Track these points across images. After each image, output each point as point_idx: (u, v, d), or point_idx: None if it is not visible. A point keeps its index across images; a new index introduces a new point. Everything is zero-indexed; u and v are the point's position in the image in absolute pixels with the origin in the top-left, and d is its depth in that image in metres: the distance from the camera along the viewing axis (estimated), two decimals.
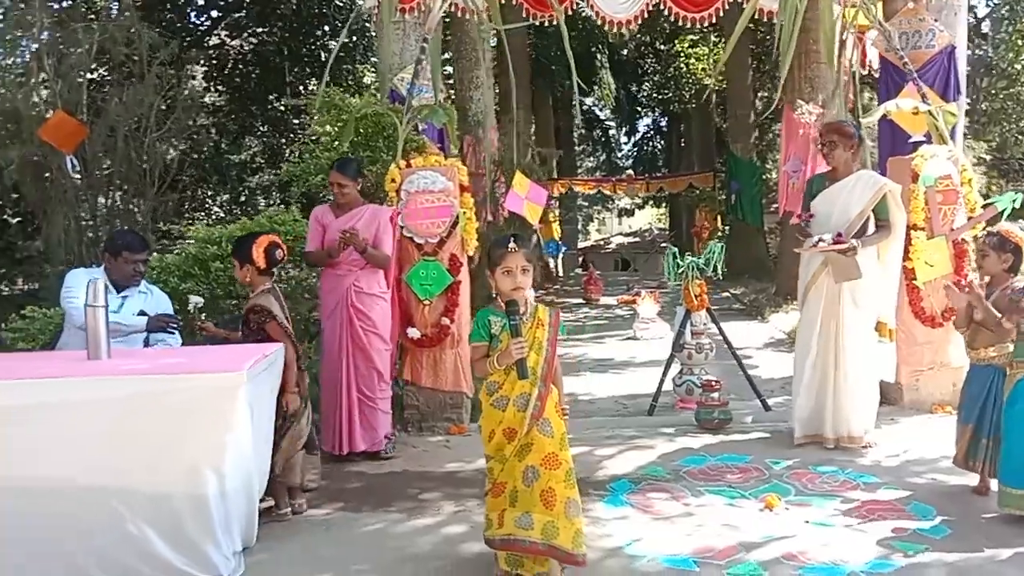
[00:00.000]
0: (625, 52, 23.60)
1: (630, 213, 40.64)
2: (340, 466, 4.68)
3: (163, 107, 7.38)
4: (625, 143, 35.09)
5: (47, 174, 6.77)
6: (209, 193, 12.83)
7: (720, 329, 5.79)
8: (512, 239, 3.09)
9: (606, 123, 31.90)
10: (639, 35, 21.74)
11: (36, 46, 6.61)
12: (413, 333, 5.20)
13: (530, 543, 2.98)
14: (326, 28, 13.34)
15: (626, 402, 6.14)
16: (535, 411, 3.00)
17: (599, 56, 22.97)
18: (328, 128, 5.75)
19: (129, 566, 3.01)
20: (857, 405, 4.65)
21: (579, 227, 37.72)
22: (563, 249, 21.96)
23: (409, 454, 4.90)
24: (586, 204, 38.20)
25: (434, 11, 5.56)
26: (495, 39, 11.05)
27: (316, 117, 5.37)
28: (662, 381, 5.72)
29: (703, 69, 20.45)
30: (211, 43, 16.05)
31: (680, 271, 5.78)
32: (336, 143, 5.47)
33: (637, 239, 36.48)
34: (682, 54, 21.60)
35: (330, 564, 3.34)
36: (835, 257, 4.56)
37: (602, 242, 38.58)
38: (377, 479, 4.51)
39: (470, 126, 11.71)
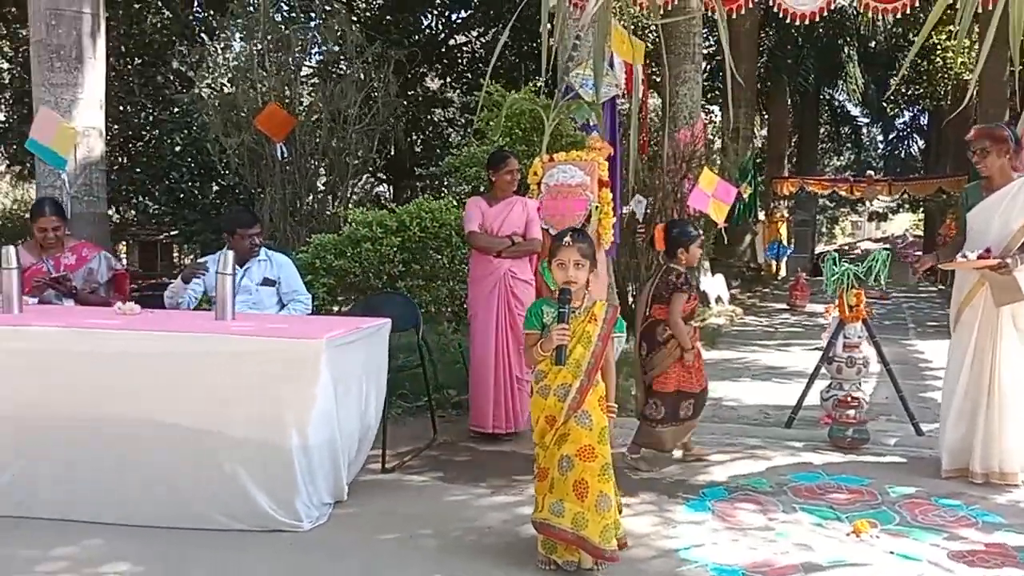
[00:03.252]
0: (873, 44, 21.92)
1: (883, 217, 37.67)
2: (463, 440, 4.98)
3: (368, 103, 8.11)
4: (881, 142, 32.60)
5: (263, 160, 7.71)
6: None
7: (876, 343, 5.36)
8: (570, 234, 3.17)
9: (858, 120, 29.77)
10: (892, 27, 20.11)
11: (259, 46, 7.54)
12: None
13: (559, 530, 3.06)
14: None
15: (771, 412, 5.88)
16: (573, 402, 3.06)
17: (847, 48, 21.53)
18: (491, 123, 6.04)
19: (225, 502, 3.47)
20: (1010, 438, 4.16)
21: (818, 229, 35.55)
22: (787, 251, 20.91)
23: (527, 436, 5.07)
24: (831, 205, 35.97)
25: (590, 6, 5.63)
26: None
27: (479, 113, 5.67)
28: (804, 394, 5.42)
29: (962, 63, 18.48)
30: (453, 43, 17.14)
31: (835, 278, 5.43)
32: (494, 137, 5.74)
33: (888, 246, 33.80)
34: (939, 47, 19.65)
35: (399, 525, 3.61)
36: (994, 276, 4.11)
37: (847, 247, 36.13)
38: (485, 456, 4.74)
39: (677, 121, 11.59)
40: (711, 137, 11.90)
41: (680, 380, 4.53)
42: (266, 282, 4.72)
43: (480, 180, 5.71)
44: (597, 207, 5.30)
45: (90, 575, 3.10)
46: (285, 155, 7.56)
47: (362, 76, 7.78)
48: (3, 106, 15.07)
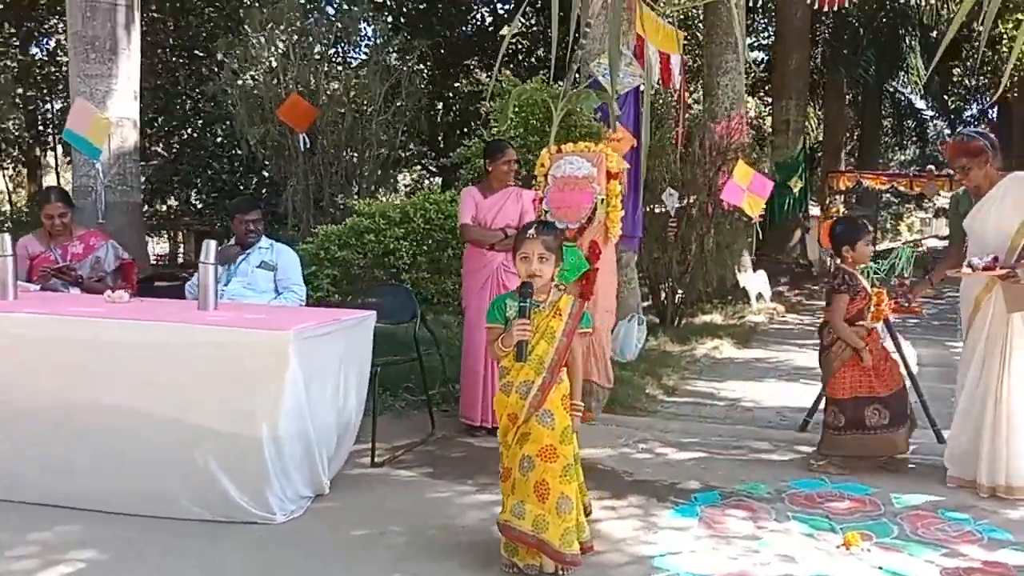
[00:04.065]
0: (935, 34, 21.06)
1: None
2: (461, 435, 4.90)
3: (394, 94, 8.10)
4: (948, 135, 31.39)
5: (286, 151, 7.76)
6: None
7: (897, 344, 5.11)
8: (534, 226, 3.06)
9: (922, 113, 28.68)
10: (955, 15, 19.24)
11: (284, 39, 7.58)
12: None
13: (520, 532, 2.96)
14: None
15: (789, 415, 5.66)
16: (535, 400, 2.95)
17: (908, 39, 20.74)
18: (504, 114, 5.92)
19: (198, 493, 3.44)
20: (1018, 451, 3.91)
21: (882, 226, 34.46)
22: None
23: None
24: (895, 201, 34.81)
25: None
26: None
27: (489, 103, 5.57)
28: (820, 396, 5.18)
29: None
30: (501, 35, 17.03)
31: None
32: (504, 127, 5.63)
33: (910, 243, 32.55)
34: (1005, 36, 18.80)
35: (374, 521, 3.54)
36: (1006, 284, 3.87)
37: (911, 244, 34.92)
38: (479, 452, 4.65)
39: (717, 113, 11.32)
40: (753, 129, 11.53)
41: (856, 384, 4.29)
42: (263, 266, 4.76)
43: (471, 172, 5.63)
44: (603, 200, 5.15)
45: (58, 560, 3.10)
46: (307, 145, 7.58)
47: (386, 67, 7.75)
48: (59, 98, 15.54)
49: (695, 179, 9.11)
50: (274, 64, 7.55)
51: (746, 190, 8.59)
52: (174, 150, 13.71)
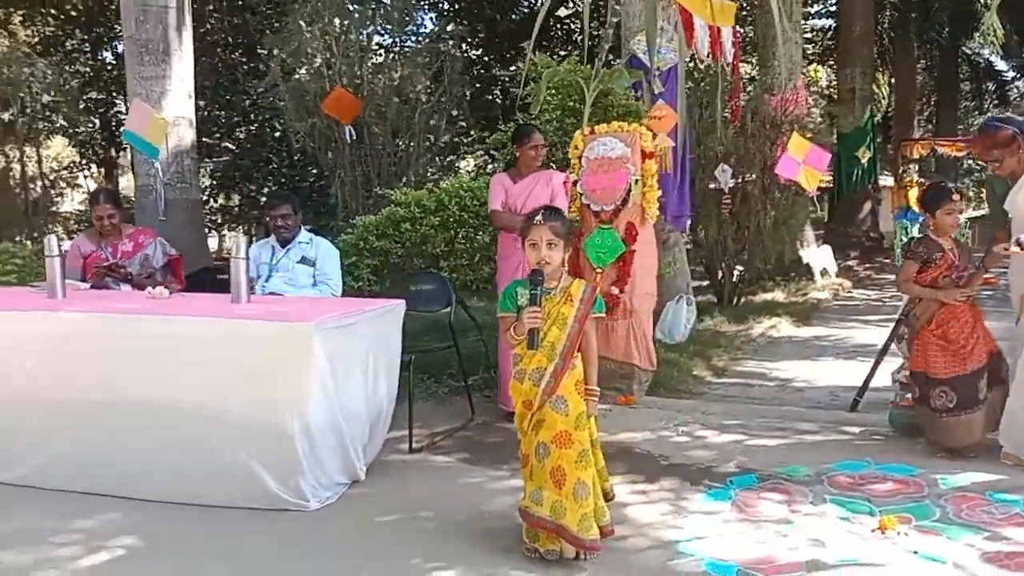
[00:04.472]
0: None
1: None
2: (500, 421, 4.92)
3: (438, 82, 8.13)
4: None
5: (333, 143, 7.88)
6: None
7: None
8: (542, 212, 3.03)
9: (1003, 75, 27.25)
10: None
11: (330, 32, 7.68)
12: None
13: (539, 519, 2.96)
14: None
15: (841, 394, 5.48)
16: (548, 387, 2.94)
17: None
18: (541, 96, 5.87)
19: (233, 481, 3.53)
20: None
21: (963, 193, 32.93)
22: (918, 218, 19.44)
23: None
24: (978, 168, 33.25)
25: None
26: None
27: (523, 87, 5.53)
28: (871, 374, 5.02)
29: None
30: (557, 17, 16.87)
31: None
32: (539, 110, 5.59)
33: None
34: None
35: (406, 507, 3.58)
36: None
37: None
38: (516, 438, 4.64)
39: (773, 85, 10.99)
40: (813, 100, 11.14)
41: (944, 363, 4.09)
42: (304, 261, 4.84)
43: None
44: (638, 180, 5.07)
45: (99, 547, 3.22)
46: (354, 137, 7.66)
47: (436, 54, 7.77)
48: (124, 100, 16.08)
49: (749, 154, 8.88)
50: (318, 59, 7.65)
51: (802, 163, 8.31)
52: (237, 146, 14.05)
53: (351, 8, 7.79)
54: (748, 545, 3.13)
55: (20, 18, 16.26)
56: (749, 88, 9.73)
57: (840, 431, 4.58)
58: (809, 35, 20.62)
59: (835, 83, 16.43)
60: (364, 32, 7.71)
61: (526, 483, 3.06)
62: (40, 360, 3.77)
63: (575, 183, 5.21)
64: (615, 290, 5.11)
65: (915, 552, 3.03)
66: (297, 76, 7.94)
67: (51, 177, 19.77)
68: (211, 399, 3.52)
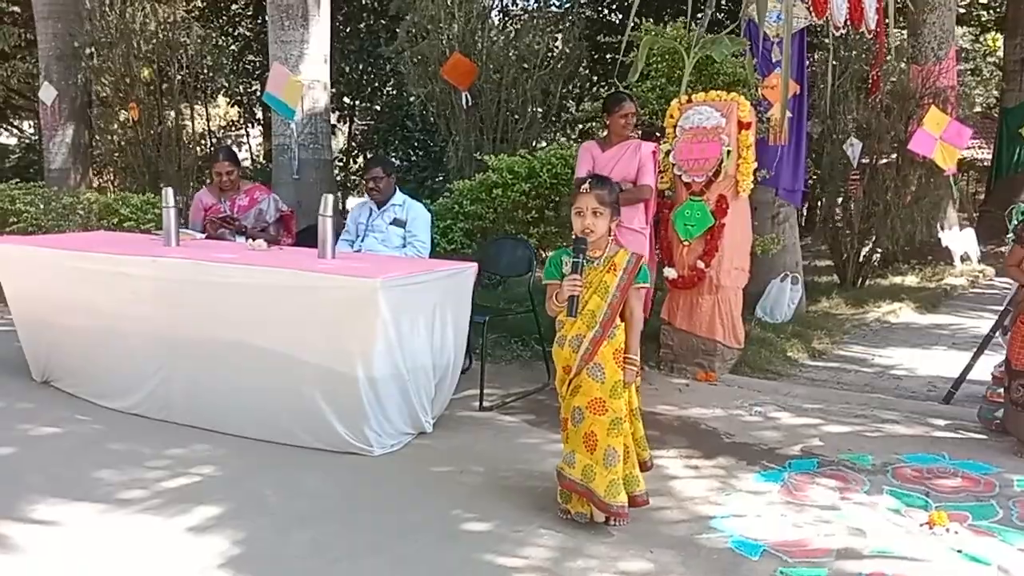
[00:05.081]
0: None
1: None
2: None
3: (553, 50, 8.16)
4: None
5: (448, 109, 8.08)
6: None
7: None
8: (589, 181, 3.07)
9: None
10: None
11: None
12: (669, 273, 5.17)
13: (570, 480, 3.05)
14: None
15: (941, 385, 5.19)
16: (586, 353, 3.00)
17: None
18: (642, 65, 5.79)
19: (307, 424, 3.83)
20: None
21: None
22: None
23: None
24: None
25: None
26: None
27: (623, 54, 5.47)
28: (969, 367, 4.75)
29: None
30: None
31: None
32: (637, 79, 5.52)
33: None
34: None
35: (458, 460, 3.76)
36: None
37: None
38: None
39: (921, 53, 10.31)
40: (966, 69, 10.36)
41: None
42: (395, 222, 5.08)
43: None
44: (730, 151, 4.96)
45: (181, 473, 3.57)
46: (470, 102, 7.83)
47: (543, 23, 7.77)
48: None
49: (881, 127, 8.40)
50: (441, 25, 7.83)
51: (939, 139, 7.81)
52: (377, 110, 14.58)
53: None
54: (784, 527, 3.10)
55: None
56: (890, 57, 9.12)
57: (924, 423, 4.38)
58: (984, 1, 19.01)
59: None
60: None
61: (564, 446, 3.15)
62: (148, 300, 4.18)
63: (667, 153, 5.16)
64: (701, 264, 5.04)
65: (958, 551, 2.91)
66: (422, 42, 8.14)
67: (218, 135, 21.24)
68: (290, 345, 3.81)
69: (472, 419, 4.43)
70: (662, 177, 5.21)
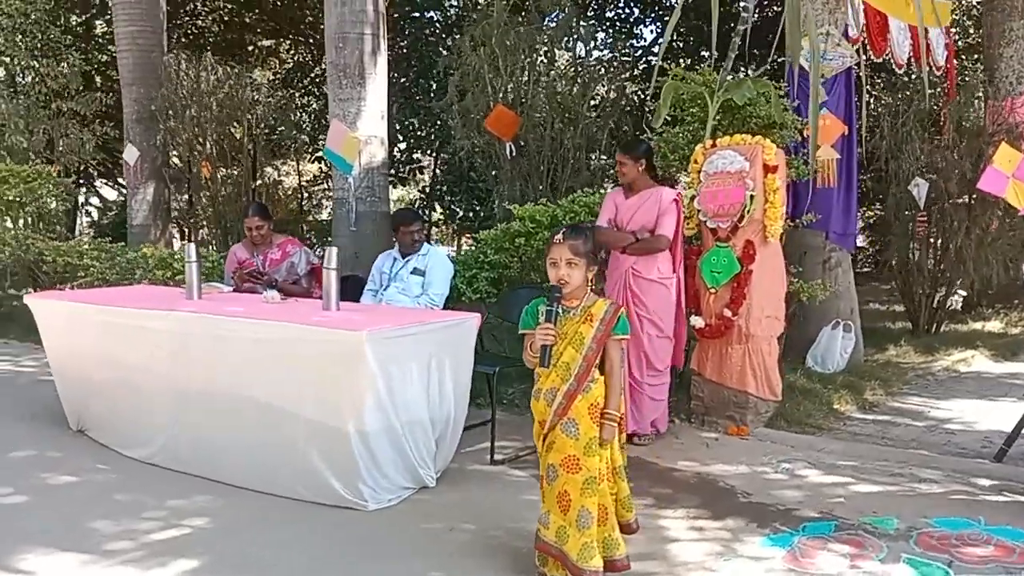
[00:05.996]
0: None
1: None
2: None
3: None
4: None
5: (494, 159, 8.12)
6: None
7: None
8: (563, 230, 2.97)
9: None
10: None
11: (494, 53, 7.93)
12: (696, 321, 4.96)
13: (545, 542, 2.92)
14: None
15: (998, 440, 4.77)
16: (559, 408, 2.87)
17: None
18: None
19: (303, 477, 3.79)
20: None
21: None
22: None
23: (662, 444, 4.77)
24: None
25: None
26: None
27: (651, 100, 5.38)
28: (1022, 423, 4.36)
29: None
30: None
31: None
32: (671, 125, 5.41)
33: None
34: None
35: (452, 517, 3.64)
36: None
37: None
38: None
39: (997, 89, 9.80)
40: None
41: None
42: (415, 272, 5.08)
43: (660, 169, 5.41)
44: (754, 196, 4.76)
45: (176, 524, 3.57)
46: (513, 153, 7.85)
47: (585, 75, 7.75)
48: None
49: (949, 166, 7.98)
50: (485, 79, 7.93)
51: (1011, 177, 7.36)
52: (444, 163, 14.85)
53: (520, 29, 7.96)
54: None
55: (287, 45, 18.26)
56: (960, 95, 8.71)
57: (966, 482, 4.02)
58: None
59: None
60: (582, 47, 7.88)
61: (541, 505, 3.01)
62: (164, 352, 4.27)
63: (692, 199, 5.00)
64: (728, 312, 4.83)
65: None
66: (469, 98, 8.24)
67: (310, 190, 22.10)
68: (286, 399, 3.81)
69: (481, 473, 4.31)
70: (688, 223, 5.05)
